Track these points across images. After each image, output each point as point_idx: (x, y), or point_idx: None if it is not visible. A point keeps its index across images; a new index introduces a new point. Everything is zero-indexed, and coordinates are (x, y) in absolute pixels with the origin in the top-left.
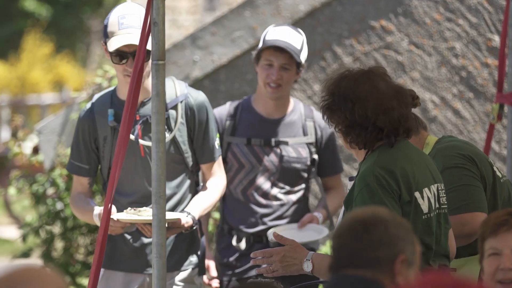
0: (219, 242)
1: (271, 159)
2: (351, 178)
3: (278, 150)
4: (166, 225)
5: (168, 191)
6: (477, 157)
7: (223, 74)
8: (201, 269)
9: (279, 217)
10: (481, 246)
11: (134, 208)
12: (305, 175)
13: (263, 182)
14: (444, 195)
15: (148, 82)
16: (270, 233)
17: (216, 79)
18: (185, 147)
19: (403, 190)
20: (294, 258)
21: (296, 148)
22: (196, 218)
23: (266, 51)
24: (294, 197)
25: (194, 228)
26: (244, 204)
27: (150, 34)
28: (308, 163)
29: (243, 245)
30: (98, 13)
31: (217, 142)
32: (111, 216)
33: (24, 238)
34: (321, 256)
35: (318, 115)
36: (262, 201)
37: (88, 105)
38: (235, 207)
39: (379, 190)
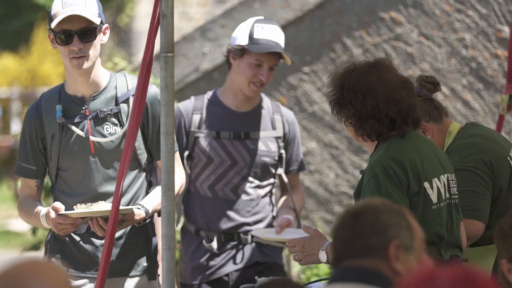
0: (187, 245)
1: (240, 153)
2: (361, 171)
3: (248, 143)
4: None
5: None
6: (495, 159)
7: None
8: (152, 273)
9: (249, 213)
10: None
11: (85, 203)
12: (273, 170)
13: (233, 176)
14: (455, 186)
15: (99, 75)
16: (254, 233)
17: (225, 71)
18: (137, 143)
19: (411, 180)
20: (313, 249)
21: (265, 141)
22: (150, 211)
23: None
24: (262, 192)
25: (147, 221)
26: (212, 200)
27: (159, 27)
28: (276, 157)
29: (214, 244)
30: (108, 5)
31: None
32: (59, 212)
33: (34, 231)
34: None
35: (284, 110)
36: (232, 196)
37: (35, 102)
38: (202, 204)
39: (386, 181)
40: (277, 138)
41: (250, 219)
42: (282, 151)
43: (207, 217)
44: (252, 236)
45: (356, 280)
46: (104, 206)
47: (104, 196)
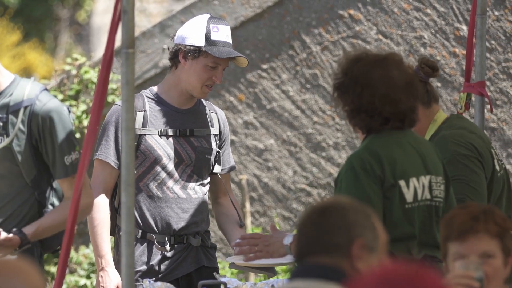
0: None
1: (186, 150)
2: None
3: (192, 141)
4: None
5: None
6: (482, 150)
7: None
8: None
9: (197, 211)
10: (444, 245)
11: None
12: (211, 168)
13: (181, 174)
14: (439, 188)
15: None
16: (230, 260)
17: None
18: (22, 158)
19: (387, 175)
20: (276, 238)
21: (207, 139)
22: (29, 236)
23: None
24: (205, 190)
25: (27, 247)
26: (161, 200)
27: (120, 23)
28: (215, 156)
29: (168, 247)
30: (67, 1)
31: (73, 157)
32: None
33: None
34: None
35: (217, 108)
36: (182, 194)
37: None
38: (149, 205)
39: (362, 173)
40: (215, 135)
41: (197, 218)
42: (218, 149)
43: (155, 219)
44: (202, 240)
45: (317, 277)
46: None
47: None
